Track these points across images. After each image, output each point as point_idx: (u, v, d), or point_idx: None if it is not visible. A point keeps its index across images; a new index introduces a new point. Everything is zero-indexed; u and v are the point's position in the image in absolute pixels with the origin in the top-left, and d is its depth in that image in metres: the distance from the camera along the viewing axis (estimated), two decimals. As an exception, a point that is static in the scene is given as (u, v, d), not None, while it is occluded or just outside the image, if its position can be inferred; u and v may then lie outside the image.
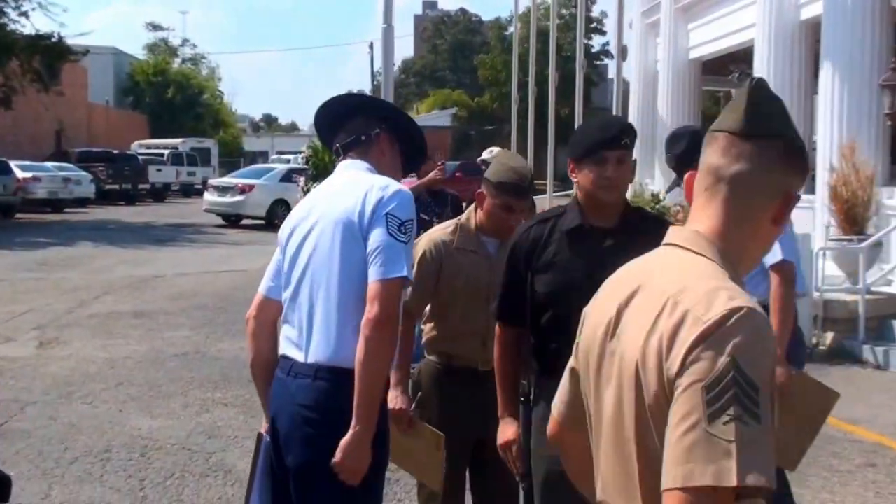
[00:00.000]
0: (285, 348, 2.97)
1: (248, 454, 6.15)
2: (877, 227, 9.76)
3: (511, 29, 59.17)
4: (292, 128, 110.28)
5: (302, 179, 13.34)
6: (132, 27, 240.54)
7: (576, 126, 15.74)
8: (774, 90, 7.25)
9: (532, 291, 3.13)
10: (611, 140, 2.98)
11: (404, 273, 2.77)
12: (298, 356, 2.89)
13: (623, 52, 12.07)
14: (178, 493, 5.53)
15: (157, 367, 8.73)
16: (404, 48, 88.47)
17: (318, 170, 12.76)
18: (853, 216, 9.50)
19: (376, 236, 2.78)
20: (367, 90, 76.26)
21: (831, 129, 10.31)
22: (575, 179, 3.10)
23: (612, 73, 57.09)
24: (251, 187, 24.60)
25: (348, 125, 3.11)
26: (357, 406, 2.74)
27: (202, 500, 5.46)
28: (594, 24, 49.75)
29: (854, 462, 6.33)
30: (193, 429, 6.82)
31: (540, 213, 3.48)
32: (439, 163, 8.68)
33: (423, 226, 8.43)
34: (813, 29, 11.49)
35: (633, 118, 18.22)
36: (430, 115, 52.93)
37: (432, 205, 8.63)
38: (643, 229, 2.89)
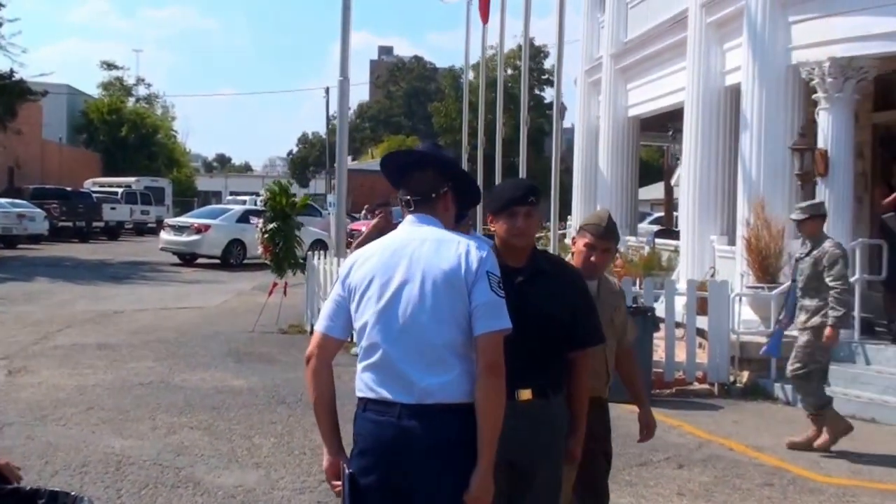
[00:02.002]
0: (378, 391, 3.20)
1: (214, 470, 6.89)
2: (787, 276, 10.70)
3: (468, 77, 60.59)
4: (245, 168, 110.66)
5: (260, 221, 13.99)
6: (86, 64, 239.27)
7: (520, 173, 16.68)
8: (701, 148, 8.60)
9: None
10: (521, 198, 3.71)
11: (509, 325, 3.20)
12: (405, 398, 3.15)
13: (561, 112, 12.98)
14: (152, 501, 6.13)
15: (123, 394, 9.32)
16: (360, 93, 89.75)
17: (276, 212, 13.43)
18: (766, 266, 10.44)
19: (481, 293, 3.18)
20: (323, 133, 77.15)
21: (748, 187, 11.28)
22: (493, 229, 3.87)
23: (565, 123, 58.56)
24: (207, 227, 25.21)
25: (417, 177, 3.41)
26: (484, 442, 3.12)
27: None
28: (546, 77, 51.08)
29: (755, 482, 7.08)
30: (162, 448, 7.42)
31: None
32: (381, 213, 9.53)
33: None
34: (736, 94, 12.50)
35: (576, 169, 19.24)
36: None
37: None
38: (546, 268, 3.80)
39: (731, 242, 12.20)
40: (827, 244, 8.01)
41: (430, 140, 9.86)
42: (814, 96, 10.73)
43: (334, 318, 3.34)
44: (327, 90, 61.75)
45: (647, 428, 4.62)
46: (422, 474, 3.14)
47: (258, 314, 13.72)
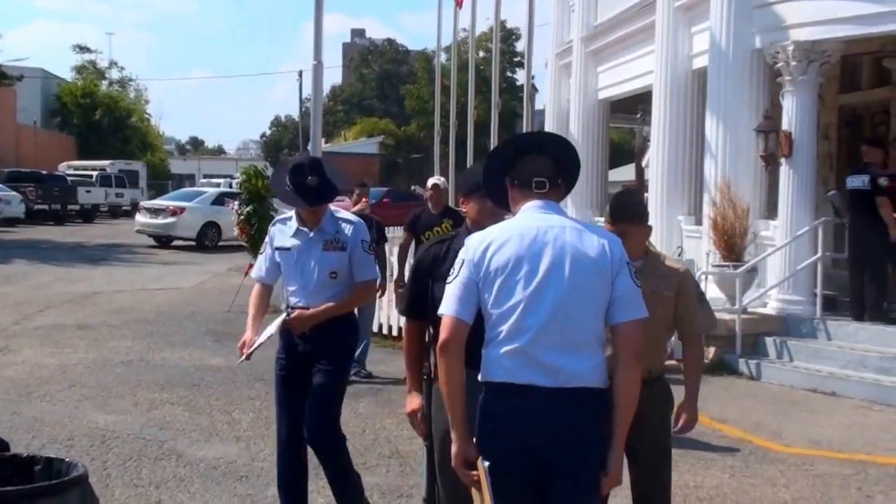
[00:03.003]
0: (522, 376, 3.23)
1: (195, 443, 7.13)
2: (753, 255, 11.02)
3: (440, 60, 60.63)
4: (218, 151, 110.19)
5: (235, 203, 14.17)
6: (59, 47, 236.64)
7: (468, 150, 16.90)
8: (669, 130, 8.92)
9: (433, 295, 3.92)
10: None
11: (647, 313, 3.31)
12: (549, 382, 3.20)
13: (531, 96, 13.19)
14: (137, 473, 6.36)
15: (105, 372, 9.53)
16: (332, 76, 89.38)
17: (251, 194, 13.62)
18: (731, 245, 10.73)
19: (624, 282, 3.27)
20: (296, 116, 77.01)
21: (715, 168, 11.57)
22: (464, 210, 4.09)
23: (536, 105, 58.78)
24: (182, 210, 25.39)
25: (542, 161, 3.43)
26: (621, 425, 3.26)
27: (158, 478, 6.27)
28: (518, 59, 51.24)
29: (718, 452, 7.33)
30: (145, 423, 7.65)
31: (438, 236, 4.41)
32: (359, 189, 9.72)
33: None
34: (702, 77, 12.77)
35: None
36: (357, 143, 53.94)
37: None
38: None
39: (698, 222, 12.49)
40: None
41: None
42: (778, 79, 11.01)
43: (465, 302, 3.30)
44: (301, 73, 61.73)
45: (685, 422, 4.51)
46: (564, 458, 3.21)
47: (234, 294, 13.90)
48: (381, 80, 73.03)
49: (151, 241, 26.27)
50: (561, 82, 18.62)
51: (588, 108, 17.00)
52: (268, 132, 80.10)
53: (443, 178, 10.19)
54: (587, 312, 3.26)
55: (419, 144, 55.10)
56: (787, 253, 10.86)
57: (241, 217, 13.63)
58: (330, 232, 5.15)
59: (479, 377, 3.34)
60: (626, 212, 4.28)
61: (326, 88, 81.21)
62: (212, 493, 6.04)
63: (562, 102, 18.61)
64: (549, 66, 19.10)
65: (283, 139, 75.26)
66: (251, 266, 13.85)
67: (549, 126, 19.07)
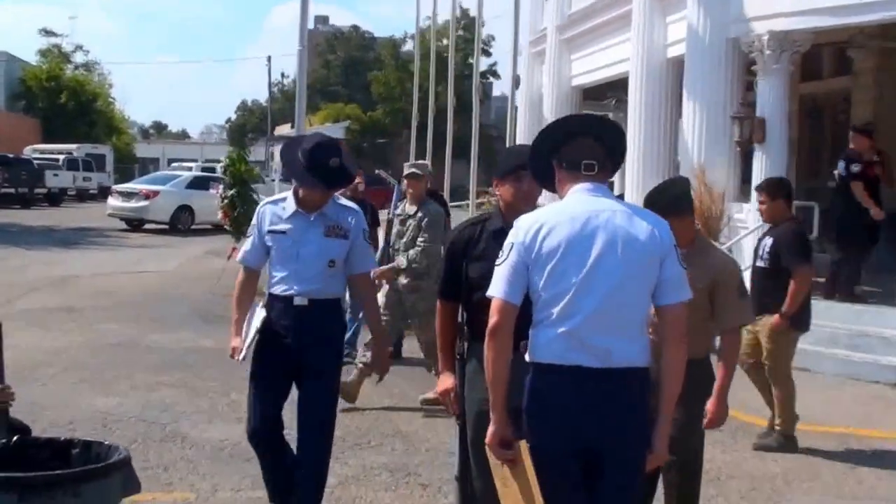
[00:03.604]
0: (572, 358, 3.27)
1: (198, 425, 7.26)
2: (728, 238, 11.35)
3: (405, 47, 60.63)
4: (183, 135, 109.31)
5: (220, 188, 14.29)
6: (21, 29, 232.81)
7: (472, 142, 17.13)
8: (645, 117, 9.23)
9: (467, 277, 4.05)
10: (525, 163, 3.82)
11: (691, 294, 3.41)
12: (598, 364, 3.26)
13: (517, 81, 13.40)
14: (144, 455, 6.39)
15: (98, 355, 9.60)
16: (296, 62, 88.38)
17: (235, 179, 13.76)
18: (708, 228, 11.03)
19: (672, 265, 3.34)
20: (263, 101, 76.66)
21: (691, 153, 11.89)
22: (497, 192, 4.18)
23: (496, 92, 59.08)
24: (156, 193, 25.44)
25: (591, 145, 3.45)
26: (667, 402, 3.38)
27: (165, 460, 6.34)
28: (482, 46, 51.41)
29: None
30: (146, 405, 7.74)
31: (471, 217, 4.52)
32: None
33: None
34: (678, 66, 13.07)
35: (520, 138, 19.69)
36: (323, 128, 53.48)
37: (353, 213, 9.82)
38: None
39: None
40: None
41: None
42: (752, 67, 11.32)
43: (514, 284, 3.33)
44: (269, 59, 61.46)
45: (712, 416, 4.58)
46: (611, 438, 3.28)
47: (218, 277, 14.01)
48: (347, 66, 72.84)
49: (122, 225, 26.24)
50: (534, 69, 18.85)
51: (562, 95, 17.26)
52: (233, 117, 79.66)
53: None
54: (637, 296, 3.32)
55: (385, 130, 55.16)
56: (759, 235, 11.15)
57: (225, 201, 13.75)
58: (332, 217, 4.91)
59: (527, 357, 3.41)
60: (664, 204, 4.25)
61: (291, 74, 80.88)
62: (222, 474, 6.14)
63: (535, 89, 18.84)
64: (523, 53, 19.32)
65: (248, 123, 74.89)
66: (235, 249, 14.11)
67: (522, 113, 19.31)
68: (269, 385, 5.03)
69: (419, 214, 8.08)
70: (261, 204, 5.15)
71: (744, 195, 11.88)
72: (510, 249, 3.36)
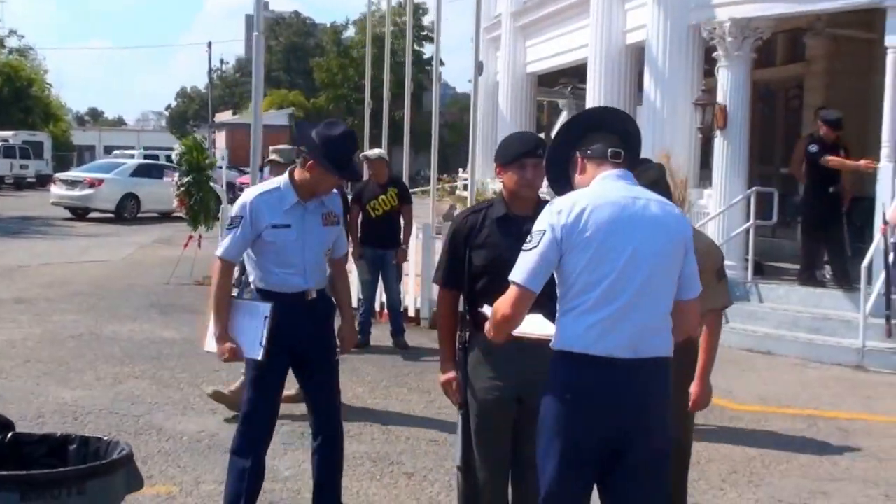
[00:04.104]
0: (605, 347, 3.22)
1: (171, 417, 7.11)
2: (690, 223, 11.43)
3: (346, 33, 60.29)
4: (119, 122, 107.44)
5: (176, 175, 14.06)
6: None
7: (405, 128, 17.02)
8: (604, 103, 9.29)
9: (470, 265, 4.00)
10: (530, 151, 3.92)
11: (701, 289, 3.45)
12: (630, 354, 3.23)
13: (480, 68, 13.35)
14: None
15: (57, 346, 9.36)
16: (237, 48, 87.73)
17: (191, 167, 13.53)
18: (671, 214, 11.13)
19: (692, 262, 3.36)
20: (202, 87, 75.70)
21: (653, 139, 11.93)
22: (501, 180, 4.10)
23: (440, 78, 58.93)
24: (100, 181, 25.01)
25: (614, 136, 3.44)
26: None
27: (143, 453, 6.11)
28: (425, 33, 51.22)
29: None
30: (114, 397, 7.57)
31: (472, 205, 4.48)
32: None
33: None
34: (636, 52, 13.14)
35: (473, 125, 19.65)
36: (266, 115, 53.05)
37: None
38: None
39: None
40: None
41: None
42: (714, 54, 11.40)
43: (539, 273, 3.25)
44: (210, 45, 60.68)
45: (695, 398, 4.59)
46: (639, 428, 3.27)
47: (174, 266, 13.81)
48: (288, 52, 72.23)
49: (66, 213, 25.73)
50: (489, 56, 18.80)
51: (517, 82, 17.28)
52: (173, 104, 78.45)
53: (382, 150, 10.40)
54: (668, 286, 3.31)
55: (329, 116, 54.72)
56: (721, 221, 11.30)
57: (181, 189, 13.53)
58: (327, 205, 4.74)
59: (555, 345, 3.34)
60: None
61: (231, 60, 80.00)
62: (202, 467, 6.04)
63: (489, 76, 18.81)
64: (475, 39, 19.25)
65: (188, 110, 73.83)
66: (191, 238, 13.94)
67: (479, 100, 19.27)
68: (277, 388, 4.85)
69: None
70: (247, 196, 4.71)
71: (705, 181, 11.99)
72: (542, 236, 3.24)
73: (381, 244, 9.62)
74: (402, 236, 9.84)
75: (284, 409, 7.32)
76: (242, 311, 4.68)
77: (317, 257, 4.75)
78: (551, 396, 3.33)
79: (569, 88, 18.83)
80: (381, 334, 10.03)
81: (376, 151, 10.18)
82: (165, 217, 25.10)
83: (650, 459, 3.31)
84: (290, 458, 6.32)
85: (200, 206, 13.62)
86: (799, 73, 14.18)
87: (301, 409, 7.31)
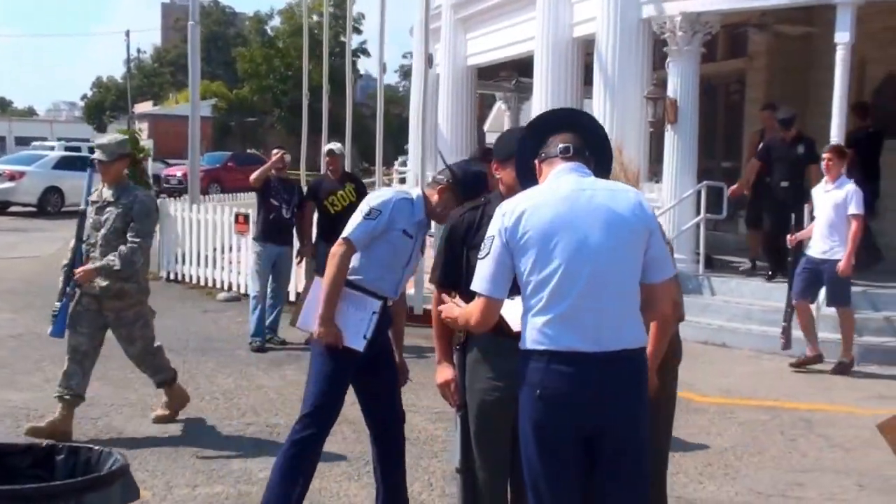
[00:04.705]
0: (565, 343, 3.21)
1: (132, 419, 6.85)
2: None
3: (271, 23, 59.47)
4: (29, 112, 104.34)
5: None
6: None
7: (347, 120, 16.83)
8: (551, 97, 9.17)
9: (468, 263, 3.90)
10: None
11: (675, 270, 3.50)
12: (593, 347, 3.20)
13: (430, 60, 13.21)
14: None
15: (-3, 347, 9.03)
16: (153, 37, 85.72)
17: (126, 160, 13.09)
18: (623, 208, 11.17)
19: (658, 242, 3.32)
20: (119, 77, 73.95)
21: (604, 133, 11.95)
22: (499, 176, 4.02)
23: (362, 70, 58.63)
24: (21, 174, 24.20)
25: (575, 138, 3.46)
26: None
27: None
28: (353, 24, 50.78)
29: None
30: None
31: (469, 203, 4.24)
32: (282, 153, 9.59)
33: (274, 210, 9.34)
34: (584, 45, 13.13)
35: (412, 118, 19.52)
36: (188, 106, 52.36)
37: (282, 192, 9.50)
38: None
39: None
40: None
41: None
42: (664, 48, 11.43)
43: (499, 278, 3.30)
44: (128, 33, 59.33)
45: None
46: (614, 422, 3.25)
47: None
48: (208, 42, 70.88)
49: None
50: (428, 49, 18.62)
51: (457, 75, 17.13)
52: (89, 93, 76.45)
53: (338, 144, 10.14)
54: (626, 274, 3.27)
55: (252, 108, 54.01)
56: (672, 215, 11.35)
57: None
58: (429, 231, 5.02)
59: (521, 345, 3.35)
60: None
61: (149, 49, 78.32)
62: (172, 471, 5.85)
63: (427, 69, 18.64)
64: (415, 31, 19.08)
65: (105, 101, 72.00)
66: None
67: (414, 92, 19.14)
68: (347, 386, 4.84)
69: (124, 202, 6.45)
70: (390, 194, 4.71)
71: (656, 175, 12.03)
72: (492, 242, 3.31)
73: (340, 240, 9.41)
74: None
75: (248, 407, 7.27)
76: (349, 301, 4.64)
77: (407, 273, 4.80)
78: (523, 397, 3.33)
79: (513, 81, 18.77)
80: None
81: (339, 145, 9.96)
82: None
83: (628, 450, 3.30)
84: (261, 459, 6.11)
85: (138, 200, 13.16)
86: (740, 68, 14.35)
87: (269, 407, 7.21)
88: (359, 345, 4.62)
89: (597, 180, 3.40)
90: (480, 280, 3.34)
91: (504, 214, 3.32)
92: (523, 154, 3.63)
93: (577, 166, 3.39)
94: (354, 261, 4.64)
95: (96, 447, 3.66)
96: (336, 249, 4.61)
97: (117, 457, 3.48)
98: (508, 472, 4.05)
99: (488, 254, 3.31)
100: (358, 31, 52.82)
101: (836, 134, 10.05)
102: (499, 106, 27.79)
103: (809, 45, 13.75)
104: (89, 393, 7.44)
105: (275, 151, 9.56)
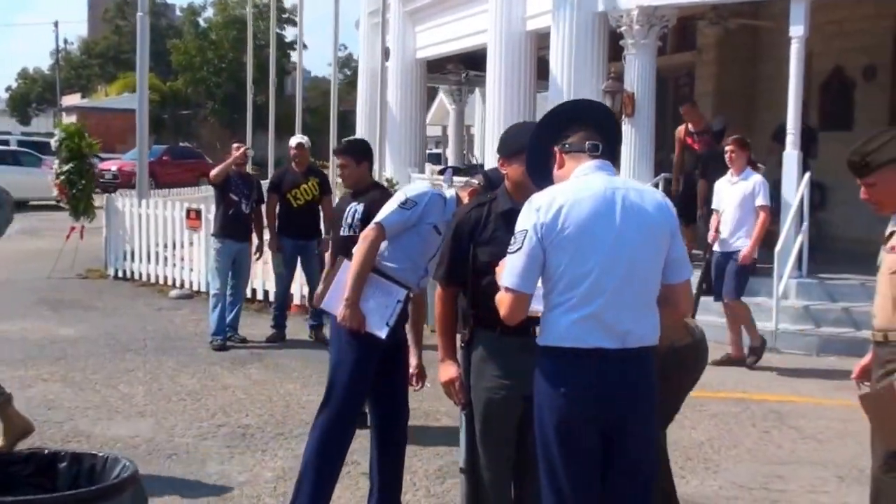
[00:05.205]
0: (593, 341, 3.22)
1: (98, 422, 6.65)
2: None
3: (205, 14, 58.59)
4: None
5: (56, 163, 13.28)
6: None
7: (270, 111, 16.62)
8: (504, 90, 9.01)
9: (475, 261, 3.88)
10: None
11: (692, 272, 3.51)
12: (617, 344, 3.22)
13: (386, 53, 13.05)
14: None
15: (-54, 349, 8.71)
16: (79, 29, 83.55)
17: (72, 154, 12.80)
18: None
19: (678, 245, 3.37)
20: (46, 68, 72.11)
21: (560, 126, 11.94)
22: (505, 172, 3.96)
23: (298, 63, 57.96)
24: (-49, 170, 23.38)
25: (592, 128, 3.45)
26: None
27: None
28: (286, 15, 50.27)
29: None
30: (27, 403, 6.92)
31: (475, 199, 4.21)
32: (244, 148, 9.40)
33: (233, 206, 9.15)
34: (537, 38, 13.10)
35: (360, 110, 19.35)
36: (120, 98, 51.15)
37: (242, 187, 9.32)
38: None
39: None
40: None
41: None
42: (621, 42, 11.43)
43: (530, 274, 3.28)
44: (56, 24, 58.04)
45: None
46: (631, 415, 3.28)
47: (53, 259, 13.08)
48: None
49: None
50: (374, 41, 18.47)
51: (406, 68, 17.00)
52: (13, 85, 74.38)
53: (306, 137, 9.97)
54: (654, 273, 3.32)
55: (187, 100, 53.19)
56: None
57: (61, 177, 12.77)
58: None
59: (543, 341, 3.33)
60: None
61: (76, 41, 76.61)
62: (146, 476, 5.63)
63: (374, 61, 18.48)
64: (361, 24, 18.93)
65: (31, 93, 70.18)
66: (73, 229, 13.17)
67: (363, 86, 19.00)
68: (371, 374, 4.76)
69: None
70: (428, 188, 4.74)
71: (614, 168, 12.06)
72: (524, 236, 3.26)
73: (302, 234, 9.24)
74: (323, 228, 9.50)
75: (217, 408, 7.10)
76: (375, 287, 4.63)
77: (431, 270, 4.68)
78: (544, 395, 3.32)
79: (464, 74, 18.70)
80: (297, 328, 9.71)
81: (307, 138, 9.77)
82: (24, 206, 23.71)
83: (642, 445, 3.34)
84: (238, 461, 5.99)
85: (83, 195, 12.89)
86: (689, 61, 14.47)
87: (238, 407, 7.05)
88: (381, 331, 4.59)
89: (625, 179, 3.44)
90: (511, 275, 3.29)
91: (539, 209, 3.26)
92: (535, 148, 3.58)
93: (603, 164, 3.39)
94: (383, 248, 4.62)
95: (101, 454, 3.56)
96: (367, 233, 4.62)
97: (126, 463, 3.39)
98: (513, 471, 4.02)
99: (520, 248, 3.26)
100: (293, 22, 52.45)
101: (792, 127, 10.14)
102: (441, 99, 27.73)
103: (757, 38, 13.92)
104: (50, 396, 7.29)
105: (235, 146, 9.36)
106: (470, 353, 3.98)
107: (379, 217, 4.62)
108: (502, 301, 3.33)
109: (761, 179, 8.85)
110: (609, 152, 3.46)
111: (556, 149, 3.46)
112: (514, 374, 3.83)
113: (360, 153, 6.13)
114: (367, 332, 4.59)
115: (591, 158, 3.38)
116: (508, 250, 3.31)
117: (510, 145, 3.93)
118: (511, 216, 3.80)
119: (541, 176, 3.54)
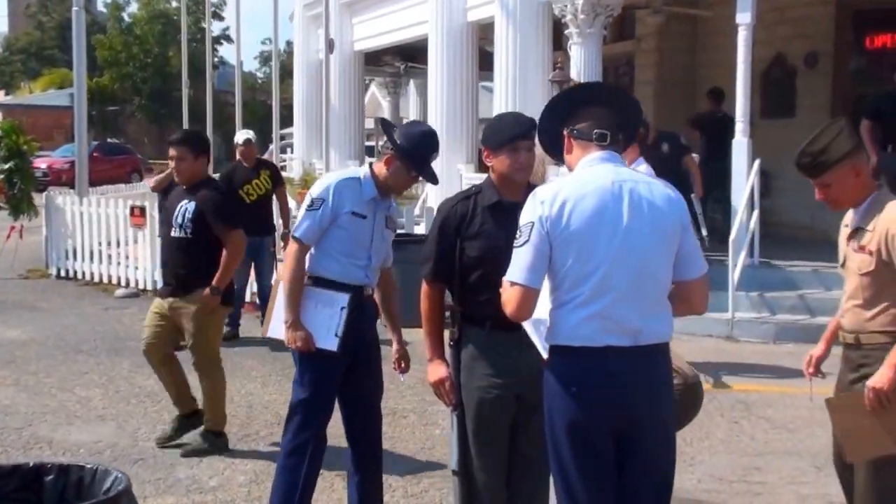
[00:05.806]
0: (604, 339, 3.13)
1: (58, 427, 6.47)
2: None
3: (129, 9, 57.40)
4: None
5: (-5, 161, 12.95)
6: None
7: (208, 106, 16.41)
8: (446, 81, 9.01)
9: (462, 256, 3.79)
10: (524, 133, 3.71)
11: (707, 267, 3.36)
12: (628, 342, 3.14)
13: (331, 45, 12.91)
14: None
15: None
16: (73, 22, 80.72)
17: (11, 151, 12.46)
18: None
19: (690, 239, 3.27)
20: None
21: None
22: (490, 164, 3.86)
23: (228, 57, 57.23)
24: None
25: (604, 112, 3.34)
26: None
27: None
28: (213, 10, 49.49)
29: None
30: None
31: (459, 192, 4.13)
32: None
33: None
34: (478, 29, 13.10)
35: (297, 103, 19.18)
36: (46, 95, 50.05)
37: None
38: None
39: (479, 170, 12.86)
40: None
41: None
42: (566, 32, 11.45)
43: (537, 268, 3.16)
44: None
45: None
46: (645, 413, 3.19)
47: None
48: (63, 29, 67.97)
49: None
50: (310, 34, 18.32)
51: (345, 60, 16.89)
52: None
53: (252, 132, 9.81)
54: (664, 269, 3.22)
55: (114, 97, 52.12)
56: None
57: (1, 176, 12.43)
58: (391, 209, 4.62)
59: (551, 340, 3.25)
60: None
61: (-3, 37, 74.58)
62: (115, 483, 5.54)
63: (311, 53, 18.34)
64: (296, 17, 18.75)
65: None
66: (13, 229, 12.81)
67: (298, 79, 18.85)
68: (336, 384, 4.57)
69: None
70: (330, 179, 4.50)
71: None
72: (530, 230, 3.14)
73: (257, 231, 9.06)
74: (280, 220, 9.36)
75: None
76: (315, 300, 4.44)
77: (378, 256, 4.55)
78: (554, 396, 3.23)
79: (402, 66, 18.62)
80: (249, 326, 9.55)
81: (252, 133, 9.60)
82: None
83: (659, 444, 3.25)
84: (207, 465, 5.86)
85: (23, 194, 12.55)
86: (629, 50, 14.57)
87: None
88: (331, 344, 4.39)
89: (632, 171, 3.34)
90: (518, 269, 3.17)
91: (543, 202, 3.15)
92: (544, 125, 3.47)
93: (611, 155, 3.28)
94: (313, 256, 4.46)
95: (89, 465, 3.40)
96: (288, 250, 4.49)
97: (117, 475, 3.20)
98: (506, 472, 3.94)
99: (527, 241, 3.14)
100: (220, 17, 51.68)
101: (741, 115, 10.24)
102: (373, 91, 27.58)
103: (697, 27, 14.08)
104: (5, 401, 7.06)
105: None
106: (459, 351, 3.90)
107: (293, 229, 4.49)
108: (509, 297, 3.21)
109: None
110: (619, 141, 3.34)
111: (565, 132, 3.35)
112: (505, 371, 3.77)
113: (198, 146, 5.95)
114: (318, 348, 4.42)
115: (598, 149, 3.27)
116: (514, 244, 3.19)
117: (497, 136, 3.83)
118: (498, 209, 3.80)
119: (556, 151, 3.46)
